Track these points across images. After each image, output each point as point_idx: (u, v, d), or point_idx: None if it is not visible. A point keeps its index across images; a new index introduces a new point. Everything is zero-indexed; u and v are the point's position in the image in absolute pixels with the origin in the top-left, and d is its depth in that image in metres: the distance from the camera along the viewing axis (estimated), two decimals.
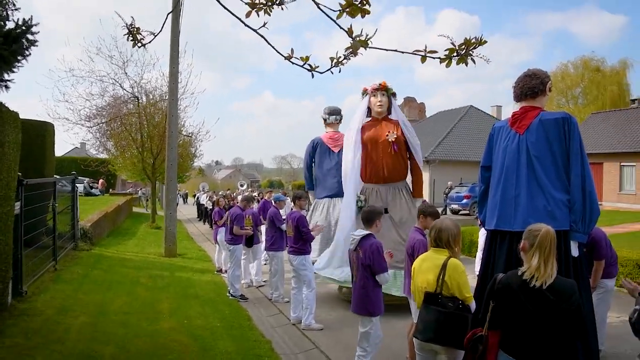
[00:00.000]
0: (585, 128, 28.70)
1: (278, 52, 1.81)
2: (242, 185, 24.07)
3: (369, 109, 6.98)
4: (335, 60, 1.85)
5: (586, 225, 3.78)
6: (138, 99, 17.29)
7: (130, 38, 2.20)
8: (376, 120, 6.90)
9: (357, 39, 1.74)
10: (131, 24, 2.21)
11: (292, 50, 1.82)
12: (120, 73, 17.08)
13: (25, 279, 6.12)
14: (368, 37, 1.79)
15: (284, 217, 7.00)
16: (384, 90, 6.82)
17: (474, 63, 1.95)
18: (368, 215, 4.22)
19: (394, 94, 7.03)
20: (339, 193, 7.36)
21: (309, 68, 1.83)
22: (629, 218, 18.63)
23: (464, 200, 22.41)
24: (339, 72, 1.88)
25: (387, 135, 6.64)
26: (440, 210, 23.24)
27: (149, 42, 2.29)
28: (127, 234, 15.56)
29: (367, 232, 4.12)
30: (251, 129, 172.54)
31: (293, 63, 1.78)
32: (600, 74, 38.08)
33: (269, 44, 1.79)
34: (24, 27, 4.55)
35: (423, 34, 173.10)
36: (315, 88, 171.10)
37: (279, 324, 6.22)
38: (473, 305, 3.07)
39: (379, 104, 6.77)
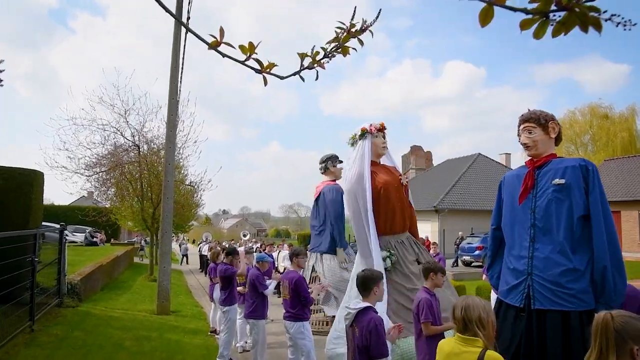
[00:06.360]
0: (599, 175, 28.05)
1: (230, 57, 1.29)
2: (245, 236, 23.31)
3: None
4: (311, 60, 1.33)
5: None
6: (139, 148, 16.98)
7: None
8: (377, 164, 5.92)
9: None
10: None
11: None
12: (122, 122, 16.87)
13: None
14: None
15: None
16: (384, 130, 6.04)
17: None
18: (364, 281, 3.40)
19: None
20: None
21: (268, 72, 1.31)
22: None
23: (477, 252, 21.41)
24: (316, 79, 1.38)
25: (401, 178, 5.78)
26: (451, 261, 22.48)
27: None
28: (122, 287, 14.79)
29: (365, 304, 3.31)
30: (259, 178, 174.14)
31: (247, 66, 1.32)
32: (609, 120, 37.88)
33: (196, 35, 1.24)
34: None
35: (430, 85, 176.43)
36: (321, 139, 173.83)
37: None
38: None
39: (383, 145, 5.84)
